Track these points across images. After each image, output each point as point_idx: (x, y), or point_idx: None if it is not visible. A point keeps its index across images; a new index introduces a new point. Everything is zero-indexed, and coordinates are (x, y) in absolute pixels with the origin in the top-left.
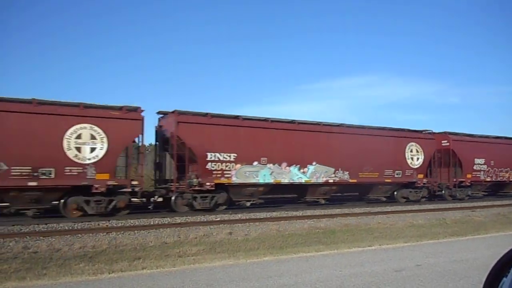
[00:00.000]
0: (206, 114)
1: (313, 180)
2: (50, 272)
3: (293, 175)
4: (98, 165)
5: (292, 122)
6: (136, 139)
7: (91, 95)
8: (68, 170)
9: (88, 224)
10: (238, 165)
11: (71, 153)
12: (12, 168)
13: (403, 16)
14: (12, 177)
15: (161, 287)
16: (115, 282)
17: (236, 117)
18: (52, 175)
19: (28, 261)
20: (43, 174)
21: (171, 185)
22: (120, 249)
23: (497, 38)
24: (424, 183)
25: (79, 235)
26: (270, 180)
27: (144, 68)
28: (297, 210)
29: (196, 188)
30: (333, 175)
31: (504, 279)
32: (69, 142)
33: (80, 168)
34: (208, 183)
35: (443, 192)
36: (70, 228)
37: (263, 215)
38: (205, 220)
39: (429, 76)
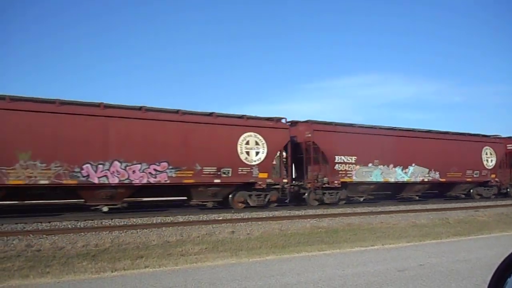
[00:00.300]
0: (330, 123)
1: (413, 179)
2: (53, 270)
3: (398, 174)
4: (261, 166)
5: (393, 129)
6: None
7: (92, 95)
8: (240, 170)
9: (91, 223)
10: (358, 166)
11: (242, 156)
12: (204, 168)
13: (405, 15)
14: (203, 175)
15: (163, 286)
16: (117, 281)
17: (352, 125)
18: (230, 174)
19: (31, 259)
20: (224, 173)
21: (308, 183)
22: (123, 247)
23: (500, 37)
24: (496, 182)
25: (82, 233)
26: (381, 179)
27: (144, 68)
28: (299, 210)
29: (326, 185)
30: (427, 175)
31: (509, 279)
32: (241, 147)
33: (248, 168)
34: (336, 181)
35: (508, 190)
36: (73, 226)
37: (265, 214)
38: (207, 219)
39: (432, 75)
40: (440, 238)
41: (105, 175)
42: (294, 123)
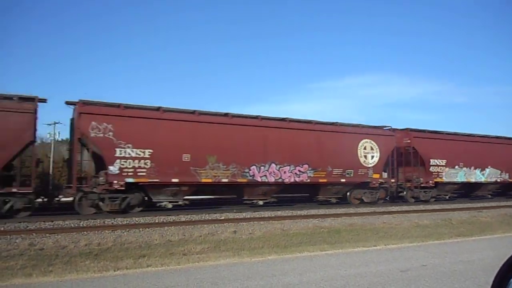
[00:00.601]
0: (424, 131)
1: (488, 180)
2: (56, 269)
3: (477, 176)
4: (374, 168)
5: (472, 135)
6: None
7: (93, 94)
8: (360, 171)
9: (93, 222)
10: (447, 168)
11: (361, 160)
12: (334, 169)
13: (408, 16)
14: (333, 175)
15: (166, 285)
16: (120, 280)
17: (440, 132)
18: (352, 175)
19: (34, 258)
20: (348, 174)
21: (407, 182)
22: (125, 246)
23: (502, 38)
24: None
25: (85, 232)
26: (464, 179)
27: (144, 68)
28: (301, 210)
29: (420, 185)
30: (499, 176)
31: None
32: (360, 151)
33: (366, 170)
34: (430, 181)
35: None
36: (76, 225)
37: (267, 214)
38: (210, 218)
39: (434, 76)
40: (443, 239)
41: (265, 175)
42: (392, 131)
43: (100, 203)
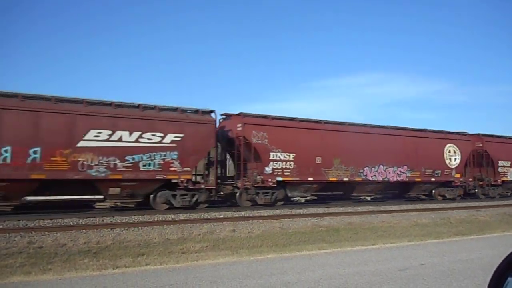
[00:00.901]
0: (492, 135)
1: None
2: (55, 267)
3: None
4: (456, 168)
5: None
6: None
7: (93, 93)
8: (445, 171)
9: (92, 220)
10: (511, 169)
11: (447, 162)
12: (426, 170)
13: (409, 15)
14: (425, 175)
15: (164, 284)
16: (119, 278)
17: (503, 136)
18: (439, 175)
19: (33, 256)
20: (436, 174)
21: (479, 181)
22: (124, 245)
23: (504, 37)
24: None
25: (84, 230)
26: None
27: (143, 67)
28: (300, 208)
29: (490, 183)
30: None
31: (509, 278)
32: (446, 154)
33: (450, 170)
34: (498, 180)
35: None
36: (75, 223)
37: (266, 213)
38: (208, 217)
39: (435, 75)
40: (442, 238)
41: (375, 175)
42: (466, 135)
43: (256, 197)
